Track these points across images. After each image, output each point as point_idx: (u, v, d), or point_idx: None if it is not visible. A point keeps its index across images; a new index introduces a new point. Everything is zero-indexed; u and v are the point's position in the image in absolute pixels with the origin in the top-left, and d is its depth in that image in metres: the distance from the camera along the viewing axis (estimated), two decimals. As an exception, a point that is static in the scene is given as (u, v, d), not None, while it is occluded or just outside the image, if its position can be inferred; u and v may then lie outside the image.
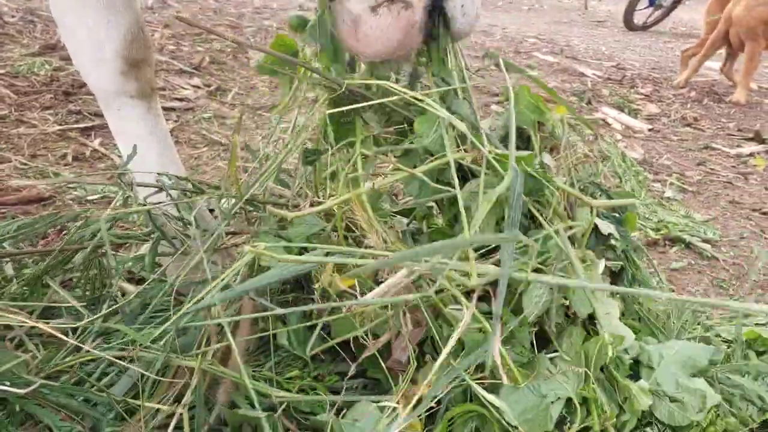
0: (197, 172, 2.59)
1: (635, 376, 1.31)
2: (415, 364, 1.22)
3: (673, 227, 2.52)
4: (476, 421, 1.17)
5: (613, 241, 1.49)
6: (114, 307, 1.31)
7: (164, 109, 3.20)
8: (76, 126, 2.82)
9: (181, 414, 1.14)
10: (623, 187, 2.83)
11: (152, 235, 1.42)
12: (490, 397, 1.11)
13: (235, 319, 1.23)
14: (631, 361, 1.33)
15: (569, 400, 1.17)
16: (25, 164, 2.39)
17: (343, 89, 1.26)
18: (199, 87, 3.62)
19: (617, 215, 1.51)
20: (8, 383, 1.05)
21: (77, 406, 1.17)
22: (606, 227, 1.46)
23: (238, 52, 4.39)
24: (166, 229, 1.47)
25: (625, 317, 1.51)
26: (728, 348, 1.46)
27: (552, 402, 1.15)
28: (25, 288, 1.31)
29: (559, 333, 1.33)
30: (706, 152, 3.91)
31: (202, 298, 1.16)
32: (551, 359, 1.27)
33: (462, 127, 1.27)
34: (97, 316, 1.28)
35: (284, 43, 1.35)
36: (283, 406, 1.20)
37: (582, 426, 1.17)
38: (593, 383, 1.21)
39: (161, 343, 1.23)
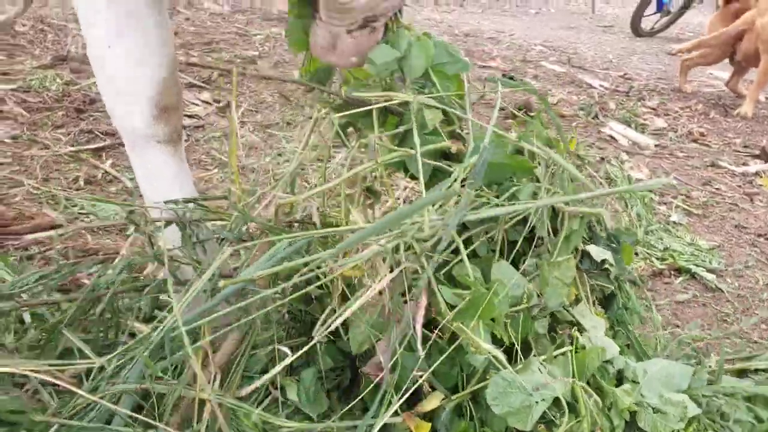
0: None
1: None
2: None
3: (678, 257, 2.54)
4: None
5: (607, 266, 1.51)
6: (124, 349, 1.34)
7: (174, 127, 3.23)
8: (87, 147, 2.85)
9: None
10: (629, 212, 2.85)
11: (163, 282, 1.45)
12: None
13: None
14: (615, 373, 1.39)
15: (557, 401, 1.22)
16: (38, 188, 2.42)
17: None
18: (209, 103, 3.64)
19: (614, 245, 1.54)
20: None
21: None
22: (600, 253, 1.49)
23: (247, 64, 4.41)
24: (178, 272, 1.50)
25: (616, 340, 1.54)
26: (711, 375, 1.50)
27: (537, 402, 1.20)
28: (42, 335, 1.34)
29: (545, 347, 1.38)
30: (712, 170, 3.92)
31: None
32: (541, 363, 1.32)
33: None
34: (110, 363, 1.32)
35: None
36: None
37: (570, 428, 1.21)
38: (581, 388, 1.26)
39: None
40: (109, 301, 1.37)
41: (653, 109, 5.15)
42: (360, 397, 1.32)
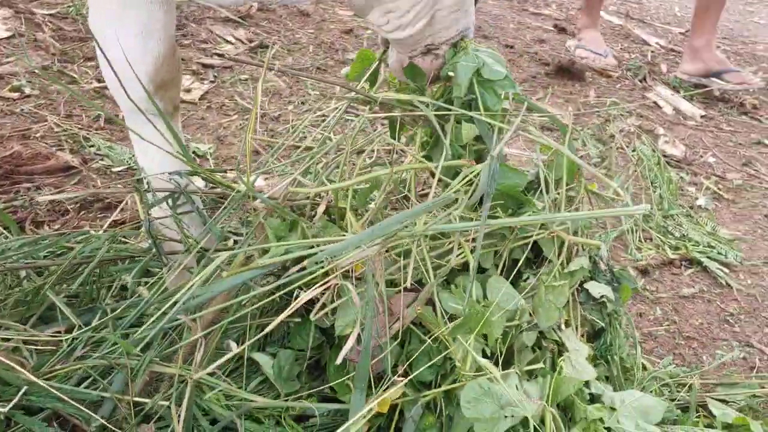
0: (224, 144, 2.64)
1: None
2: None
3: (692, 247, 2.47)
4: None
5: (605, 300, 1.52)
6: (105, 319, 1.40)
7: (203, 66, 3.24)
8: (113, 83, 2.88)
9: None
10: (651, 195, 2.76)
11: (149, 251, 1.49)
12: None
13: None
14: (590, 397, 1.42)
15: (526, 421, 1.25)
16: (59, 125, 2.47)
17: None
18: (242, 42, 3.61)
19: (615, 284, 1.55)
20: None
21: (65, 408, 1.27)
22: (599, 289, 1.50)
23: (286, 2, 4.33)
24: (165, 243, 1.54)
25: (598, 370, 1.55)
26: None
27: (506, 417, 1.23)
28: (25, 299, 1.40)
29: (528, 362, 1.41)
30: (755, 149, 3.75)
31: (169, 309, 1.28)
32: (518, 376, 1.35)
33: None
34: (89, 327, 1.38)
35: (365, 56, 1.67)
36: None
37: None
38: (551, 414, 1.29)
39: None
40: (93, 268, 1.42)
41: (707, 74, 4.89)
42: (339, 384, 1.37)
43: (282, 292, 1.35)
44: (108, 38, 1.43)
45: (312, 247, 1.39)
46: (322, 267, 1.29)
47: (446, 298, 1.35)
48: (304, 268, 1.30)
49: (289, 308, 1.27)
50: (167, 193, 1.51)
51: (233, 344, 1.28)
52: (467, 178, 1.42)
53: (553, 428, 1.26)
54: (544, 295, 1.39)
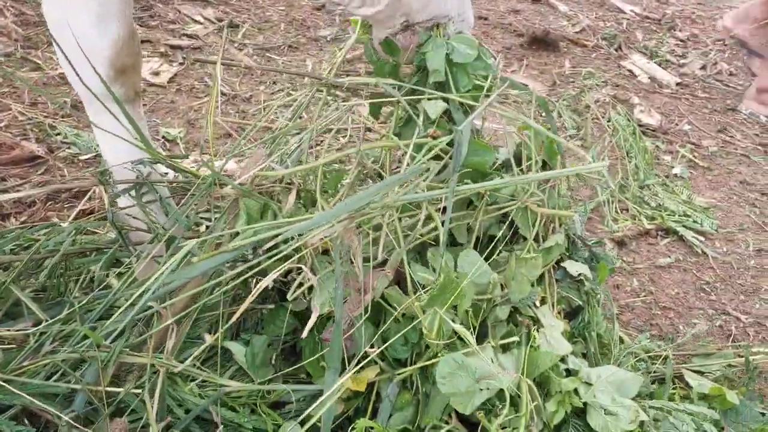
0: (195, 128, 2.60)
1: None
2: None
3: (668, 217, 2.48)
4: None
5: (583, 279, 1.52)
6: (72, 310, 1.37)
7: (171, 47, 3.17)
8: (78, 68, 2.81)
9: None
10: (627, 165, 2.76)
11: (116, 242, 1.46)
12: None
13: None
14: (567, 373, 1.43)
15: (502, 392, 1.26)
16: (23, 114, 2.41)
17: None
18: (211, 21, 3.54)
19: (592, 263, 1.56)
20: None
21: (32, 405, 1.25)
22: (577, 268, 1.50)
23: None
24: (132, 233, 1.51)
25: (575, 348, 1.55)
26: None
27: (481, 389, 1.24)
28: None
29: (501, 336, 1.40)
30: (731, 115, 3.76)
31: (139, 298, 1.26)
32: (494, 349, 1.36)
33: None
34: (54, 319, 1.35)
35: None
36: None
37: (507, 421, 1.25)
38: (527, 385, 1.29)
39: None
40: (58, 261, 1.39)
41: (682, 41, 4.89)
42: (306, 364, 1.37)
43: (252, 272, 1.33)
44: (63, 24, 1.39)
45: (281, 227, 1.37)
46: (291, 246, 1.27)
47: (418, 269, 1.34)
48: (274, 247, 1.29)
49: (258, 286, 1.25)
50: (130, 185, 1.48)
51: (207, 336, 1.25)
52: (434, 151, 1.42)
53: (529, 399, 1.26)
54: (516, 269, 1.39)
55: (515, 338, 1.37)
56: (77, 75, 1.31)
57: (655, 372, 1.65)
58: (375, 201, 1.28)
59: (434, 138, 1.45)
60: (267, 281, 1.24)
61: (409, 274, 1.33)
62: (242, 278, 1.33)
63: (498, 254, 1.48)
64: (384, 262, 1.36)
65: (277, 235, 1.28)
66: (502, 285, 1.43)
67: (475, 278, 1.34)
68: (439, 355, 1.26)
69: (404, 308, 1.30)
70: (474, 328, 1.33)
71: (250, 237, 1.29)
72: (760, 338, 1.99)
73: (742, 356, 1.71)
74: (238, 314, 1.27)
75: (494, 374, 1.25)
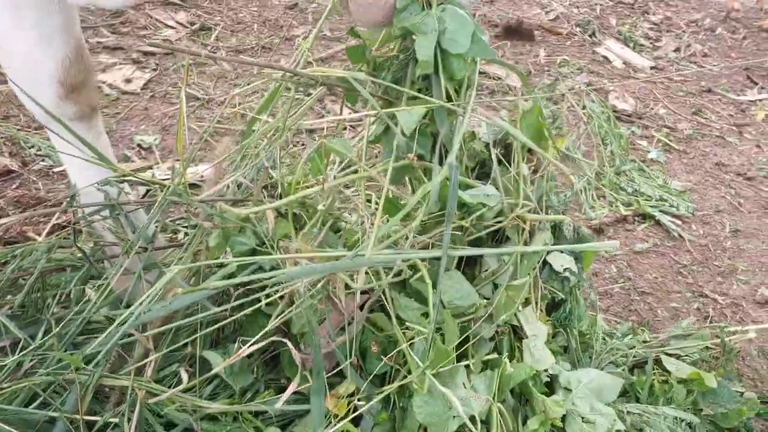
0: (169, 134, 2.59)
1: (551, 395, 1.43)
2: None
3: (644, 202, 2.50)
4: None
5: (568, 274, 1.52)
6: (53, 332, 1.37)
7: (143, 54, 3.16)
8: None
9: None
10: (603, 152, 2.78)
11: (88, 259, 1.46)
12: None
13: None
14: (548, 379, 1.45)
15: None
16: (-4, 128, 2.39)
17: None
18: (184, 25, 3.52)
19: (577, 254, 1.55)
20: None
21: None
22: (561, 261, 1.50)
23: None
24: (103, 251, 1.51)
25: (556, 341, 1.56)
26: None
27: (453, 417, 1.27)
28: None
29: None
30: (705, 97, 3.79)
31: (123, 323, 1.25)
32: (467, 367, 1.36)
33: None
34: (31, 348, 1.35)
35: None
36: None
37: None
38: (499, 404, 1.32)
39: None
40: (33, 281, 1.39)
41: (656, 24, 4.92)
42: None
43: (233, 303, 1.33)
44: (5, 45, 1.35)
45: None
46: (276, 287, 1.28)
47: (402, 305, 1.32)
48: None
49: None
50: (97, 208, 1.47)
51: (183, 373, 1.26)
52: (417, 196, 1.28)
53: (500, 423, 1.28)
54: (504, 294, 1.38)
55: (496, 356, 1.38)
56: (27, 95, 1.30)
57: (634, 357, 1.66)
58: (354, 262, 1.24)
59: (414, 161, 1.32)
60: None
61: (392, 303, 1.32)
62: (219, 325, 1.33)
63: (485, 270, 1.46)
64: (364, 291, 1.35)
65: (259, 278, 1.26)
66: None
67: (457, 300, 1.33)
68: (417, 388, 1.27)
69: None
70: (454, 349, 1.32)
71: (229, 279, 1.28)
72: (737, 318, 2.02)
73: (719, 337, 1.73)
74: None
75: (467, 398, 1.27)
